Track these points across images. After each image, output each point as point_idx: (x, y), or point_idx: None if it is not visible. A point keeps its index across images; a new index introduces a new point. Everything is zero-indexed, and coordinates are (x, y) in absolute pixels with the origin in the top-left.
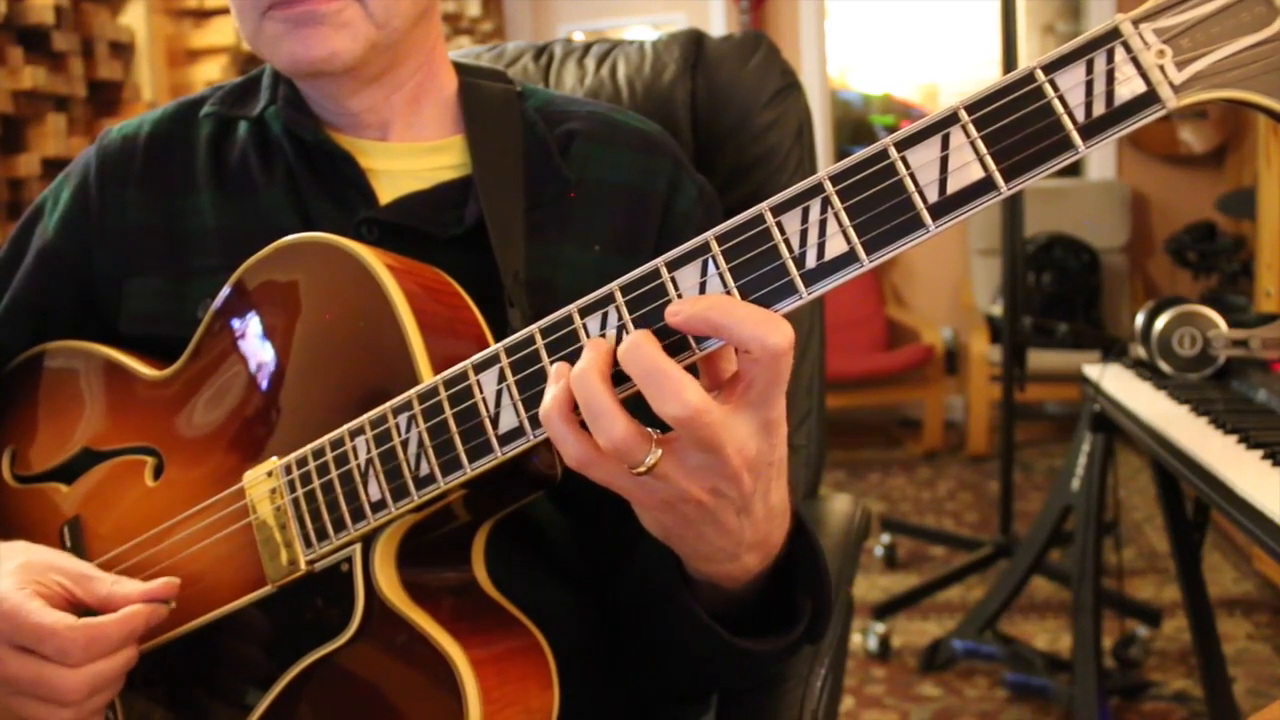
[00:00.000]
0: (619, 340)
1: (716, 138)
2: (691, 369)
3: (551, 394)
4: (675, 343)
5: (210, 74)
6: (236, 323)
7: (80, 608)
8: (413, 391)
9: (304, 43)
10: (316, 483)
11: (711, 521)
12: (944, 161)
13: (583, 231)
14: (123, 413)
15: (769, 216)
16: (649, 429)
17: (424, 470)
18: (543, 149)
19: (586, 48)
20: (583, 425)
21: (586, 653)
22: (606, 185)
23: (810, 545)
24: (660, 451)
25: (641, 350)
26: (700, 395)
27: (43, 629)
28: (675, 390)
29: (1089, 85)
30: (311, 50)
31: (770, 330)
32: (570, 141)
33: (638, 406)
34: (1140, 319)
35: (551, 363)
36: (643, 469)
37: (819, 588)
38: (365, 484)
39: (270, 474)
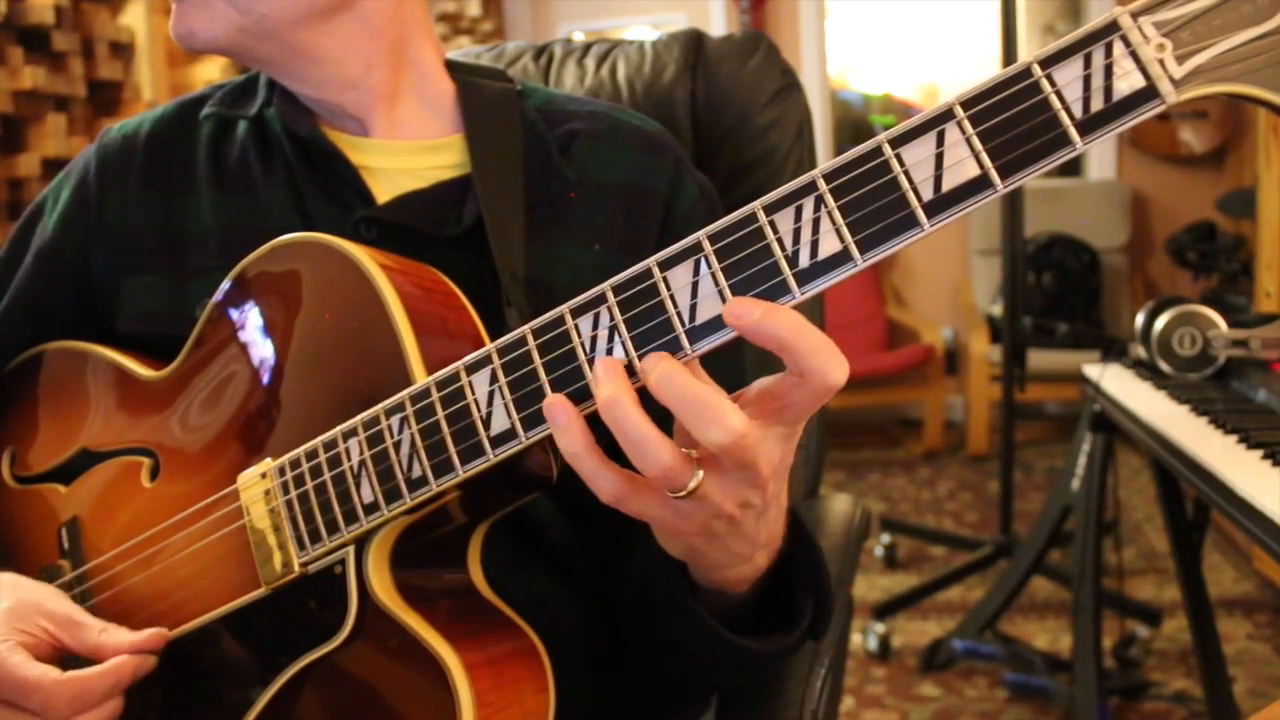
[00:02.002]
0: (610, 340)
1: (716, 137)
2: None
3: (577, 431)
4: (667, 344)
5: (210, 74)
6: (232, 323)
7: (67, 655)
8: (405, 392)
9: (174, 19)
10: (310, 484)
11: (736, 533)
12: (939, 158)
13: (583, 231)
14: (120, 414)
15: (761, 215)
16: (685, 450)
17: (416, 472)
18: (543, 148)
19: (586, 48)
20: (610, 455)
21: (586, 652)
22: (607, 184)
23: (807, 542)
24: (702, 473)
25: (677, 380)
26: (742, 419)
27: (27, 684)
28: (717, 417)
29: (1087, 80)
30: (176, 26)
31: (835, 366)
32: (571, 141)
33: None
34: (1140, 319)
35: (545, 369)
36: (684, 493)
37: (819, 584)
38: (358, 486)
39: (264, 475)
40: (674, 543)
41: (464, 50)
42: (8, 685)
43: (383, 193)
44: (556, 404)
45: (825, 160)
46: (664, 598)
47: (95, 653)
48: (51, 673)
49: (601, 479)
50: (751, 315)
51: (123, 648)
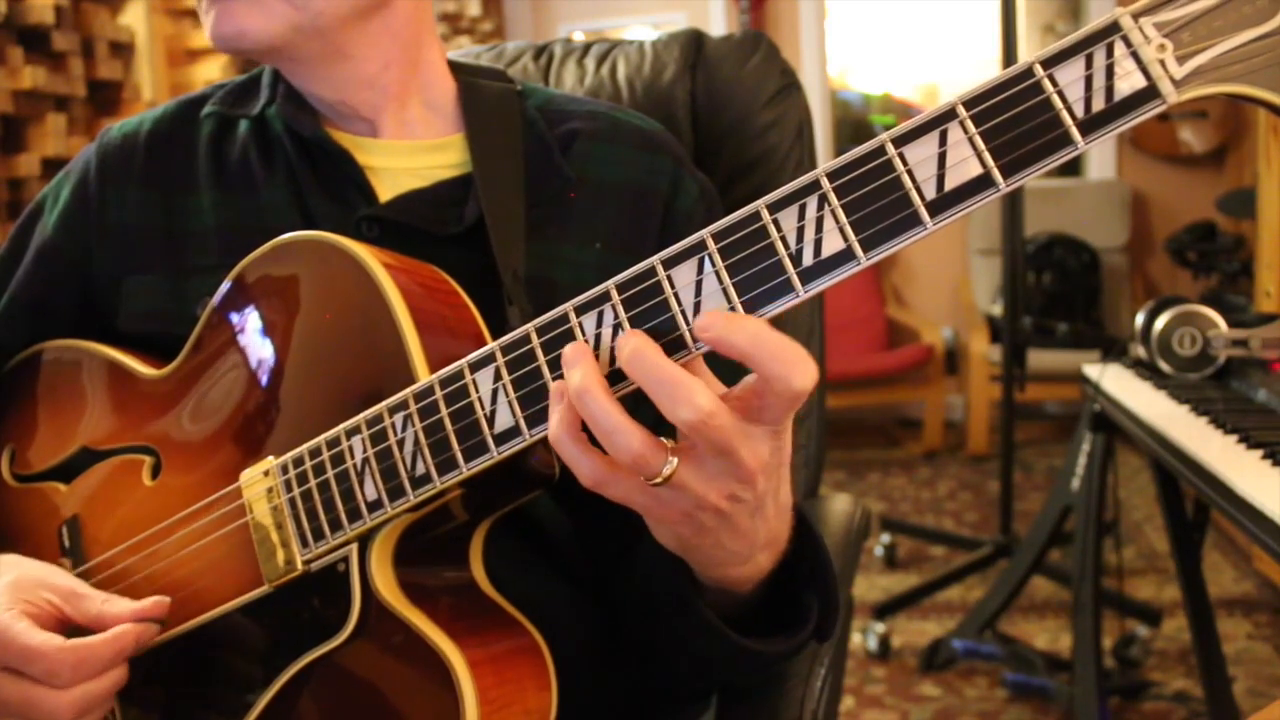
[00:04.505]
0: (614, 337)
1: (716, 137)
2: None
3: (558, 415)
4: (672, 341)
5: (210, 74)
6: (234, 321)
7: (70, 626)
8: (409, 390)
9: (219, 19)
10: (313, 482)
11: (728, 528)
12: (942, 158)
13: (583, 229)
14: (121, 412)
15: (765, 214)
16: (662, 438)
17: (420, 470)
18: (543, 148)
19: (586, 48)
20: (593, 441)
21: (587, 651)
22: (608, 183)
23: (813, 542)
24: (676, 461)
25: (646, 358)
26: (711, 399)
27: (31, 650)
28: (686, 396)
29: (1088, 80)
30: (221, 26)
31: (797, 373)
32: (572, 140)
33: (637, 407)
34: (1140, 319)
35: (549, 366)
36: (660, 480)
37: (824, 584)
38: (361, 483)
39: (267, 473)
40: (663, 531)
41: (464, 50)
42: (12, 652)
43: (385, 192)
44: (558, 387)
45: (825, 160)
46: (668, 596)
47: (97, 622)
48: (55, 640)
49: (582, 464)
50: (715, 328)
51: (125, 616)
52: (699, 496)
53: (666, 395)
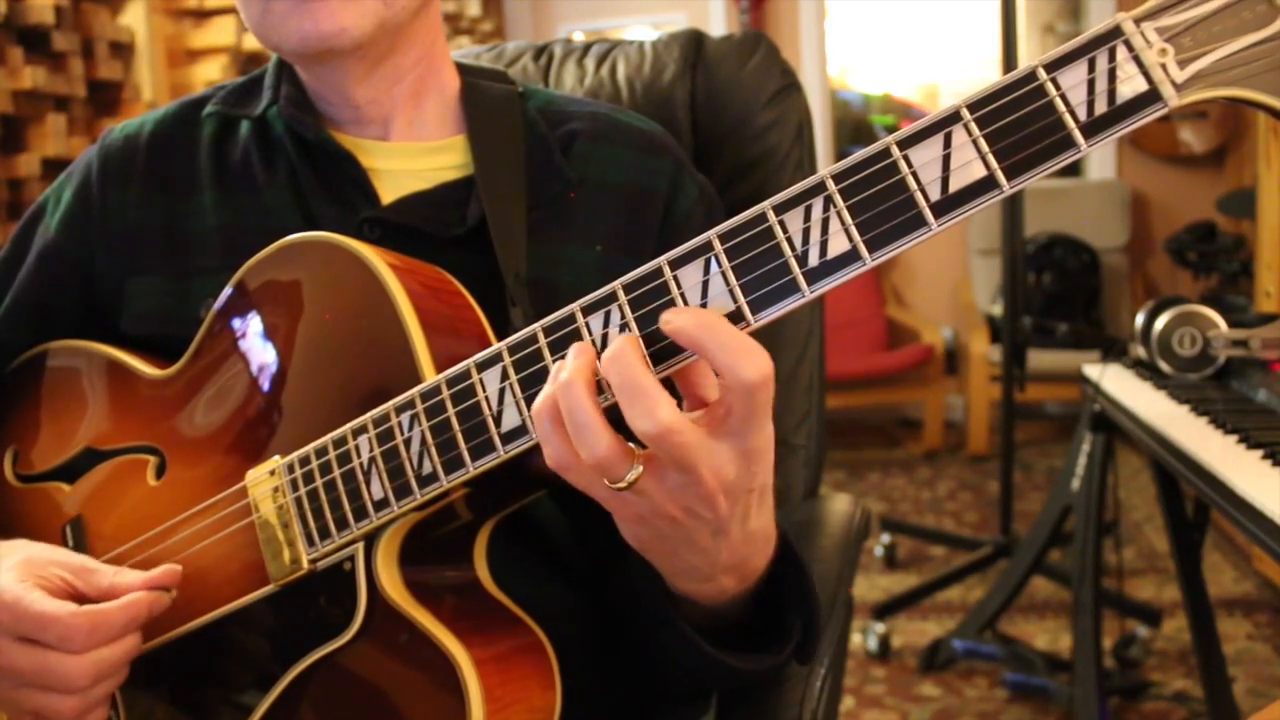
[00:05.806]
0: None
1: (716, 137)
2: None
3: (545, 394)
4: (666, 347)
5: (210, 74)
6: (238, 322)
7: (82, 600)
8: (415, 390)
9: (313, 17)
10: (319, 481)
11: (685, 540)
12: (946, 160)
13: (584, 231)
14: (125, 412)
15: (771, 215)
16: (631, 445)
17: (426, 469)
18: (544, 149)
19: (586, 48)
20: None
21: (587, 652)
22: (608, 185)
23: (798, 569)
24: (641, 468)
25: (622, 361)
26: (672, 414)
27: (45, 617)
28: (648, 406)
29: (1090, 84)
30: (321, 25)
31: (743, 361)
32: (572, 141)
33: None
34: (1140, 319)
35: (554, 361)
36: (623, 485)
37: (808, 610)
38: (368, 482)
39: (273, 473)
40: (625, 529)
41: (464, 50)
42: (26, 620)
43: (387, 194)
44: (559, 366)
45: (825, 160)
46: (649, 604)
47: (109, 594)
48: (68, 606)
49: (551, 442)
50: (674, 321)
51: (136, 584)
52: (656, 505)
53: (630, 401)
